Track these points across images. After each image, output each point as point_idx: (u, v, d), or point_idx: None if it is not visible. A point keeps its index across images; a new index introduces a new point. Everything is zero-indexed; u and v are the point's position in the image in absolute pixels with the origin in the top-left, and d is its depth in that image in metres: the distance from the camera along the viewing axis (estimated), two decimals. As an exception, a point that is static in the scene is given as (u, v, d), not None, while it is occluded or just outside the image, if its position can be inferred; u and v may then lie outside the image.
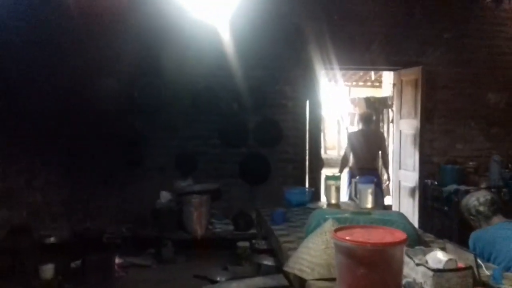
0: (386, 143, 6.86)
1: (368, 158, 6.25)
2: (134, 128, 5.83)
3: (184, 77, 5.81)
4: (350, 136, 6.60)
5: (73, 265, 4.71)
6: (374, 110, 8.85)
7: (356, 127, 7.30)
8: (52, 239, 5.18)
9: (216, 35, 5.53)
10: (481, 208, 3.00)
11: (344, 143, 7.27)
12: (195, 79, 5.85)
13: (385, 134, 8.60)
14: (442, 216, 5.65)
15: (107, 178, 5.80)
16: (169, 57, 5.64)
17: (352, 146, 6.33)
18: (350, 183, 6.04)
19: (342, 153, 7.10)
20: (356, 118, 7.88)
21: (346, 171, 6.43)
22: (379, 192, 5.59)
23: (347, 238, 1.84)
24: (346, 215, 2.67)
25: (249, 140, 6.04)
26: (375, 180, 4.22)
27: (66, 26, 5.56)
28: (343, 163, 6.47)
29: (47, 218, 5.76)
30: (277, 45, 5.97)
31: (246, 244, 4.96)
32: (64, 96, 5.64)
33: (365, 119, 6.55)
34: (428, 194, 6.01)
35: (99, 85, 5.66)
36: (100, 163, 5.78)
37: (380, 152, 6.41)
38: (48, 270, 4.47)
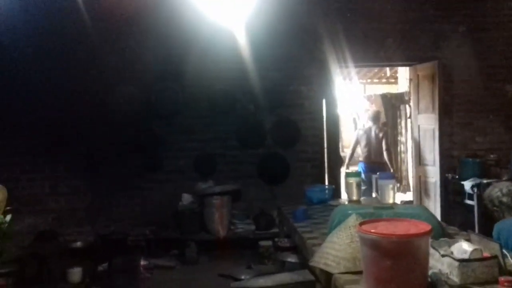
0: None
1: (377, 153, 7.16)
2: (153, 133, 5.93)
3: (201, 81, 5.90)
4: (359, 133, 7.48)
5: (99, 268, 4.80)
6: (391, 106, 8.82)
7: (366, 124, 7.79)
8: (78, 244, 5.31)
9: (232, 38, 5.59)
10: (504, 199, 3.00)
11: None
12: (212, 82, 5.92)
13: (403, 130, 8.57)
14: (464, 210, 5.61)
15: (128, 183, 5.91)
16: (186, 61, 5.72)
17: (362, 142, 7.31)
18: (365, 173, 6.85)
19: (359, 150, 7.54)
20: (366, 116, 8.05)
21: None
22: None
23: (372, 230, 1.87)
24: (369, 210, 2.70)
25: (267, 141, 6.08)
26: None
27: (83, 34, 5.67)
28: (350, 158, 7.50)
29: (72, 223, 5.89)
30: (292, 45, 6.01)
31: (269, 243, 5.01)
32: (84, 104, 5.76)
33: (373, 117, 7.46)
34: (449, 188, 5.97)
35: (118, 91, 5.79)
36: (121, 168, 5.90)
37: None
38: (75, 274, 4.58)
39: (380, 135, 7.21)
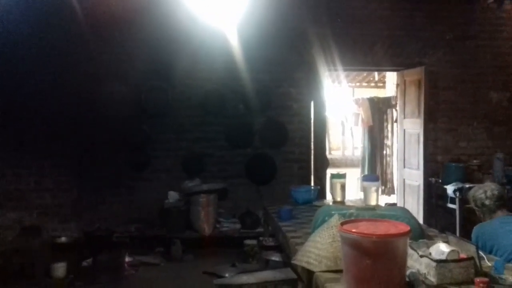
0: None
1: None
2: (142, 131, 5.93)
3: (191, 81, 5.95)
4: None
5: (84, 264, 4.80)
6: (377, 110, 8.92)
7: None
8: (62, 239, 5.30)
9: (223, 40, 5.64)
10: (487, 202, 3.07)
11: (349, 143, 7.61)
12: (202, 82, 5.96)
13: (389, 134, 8.68)
14: (446, 213, 5.71)
15: (115, 180, 5.91)
16: (177, 61, 5.76)
17: None
18: None
19: (347, 153, 7.44)
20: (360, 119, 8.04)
21: None
22: None
23: (353, 230, 1.93)
24: (352, 211, 2.75)
25: (255, 142, 6.13)
26: None
27: (75, 32, 5.68)
28: None
29: (57, 219, 5.88)
30: (282, 48, 6.07)
31: (254, 242, 5.05)
32: (72, 101, 5.76)
33: None
34: (432, 192, 6.08)
35: (107, 89, 5.78)
36: (108, 165, 5.89)
37: None
38: (59, 269, 4.58)
39: None
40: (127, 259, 5.01)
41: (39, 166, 5.88)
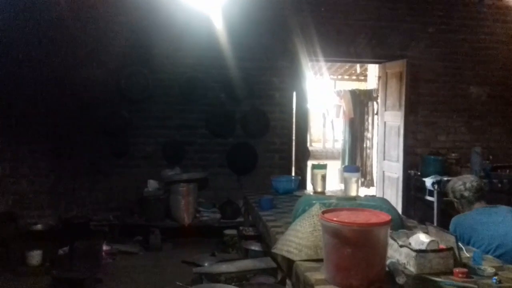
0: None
1: None
2: (121, 117, 5.84)
3: (173, 67, 5.86)
4: None
5: (60, 251, 4.72)
6: (359, 103, 8.98)
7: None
8: (38, 226, 5.20)
9: (207, 26, 5.57)
10: (466, 193, 3.09)
11: (330, 135, 7.62)
12: (184, 69, 5.88)
13: (370, 126, 8.74)
14: (424, 206, 5.78)
15: (94, 167, 5.82)
16: (158, 46, 5.68)
17: None
18: None
19: (327, 145, 7.46)
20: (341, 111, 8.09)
21: None
22: None
23: (334, 219, 1.92)
24: (332, 200, 2.75)
25: (237, 130, 6.09)
26: None
27: (53, 11, 5.52)
28: None
29: (33, 206, 5.75)
30: (265, 36, 6.03)
31: (234, 232, 5.03)
32: (50, 84, 5.63)
33: None
34: (411, 184, 6.14)
35: (86, 73, 5.67)
36: (86, 152, 5.80)
37: None
38: (35, 257, 4.51)
39: None
40: (104, 247, 4.95)
41: (15, 152, 5.73)
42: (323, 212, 2.03)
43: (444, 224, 3.50)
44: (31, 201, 5.75)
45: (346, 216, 1.97)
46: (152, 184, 5.63)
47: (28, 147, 5.74)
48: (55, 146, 5.75)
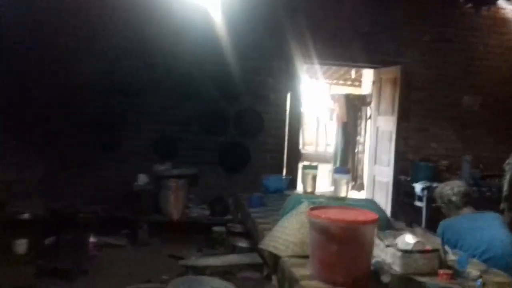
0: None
1: None
2: (113, 110, 5.81)
3: (168, 62, 5.82)
4: None
5: (46, 242, 4.69)
6: (353, 107, 9.02)
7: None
8: (25, 215, 5.14)
9: (204, 23, 5.56)
10: (453, 198, 3.11)
11: (322, 139, 7.62)
12: (179, 64, 5.85)
13: (362, 131, 8.78)
14: (413, 211, 5.81)
15: (84, 159, 5.77)
16: (154, 41, 5.66)
17: None
18: None
19: (320, 149, 7.47)
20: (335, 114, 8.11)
21: None
22: None
23: (322, 215, 1.93)
24: (321, 199, 2.77)
25: (229, 129, 6.08)
26: None
27: (48, 6, 5.48)
28: None
29: (21, 195, 5.66)
30: (262, 36, 6.02)
31: (222, 229, 5.03)
32: (42, 75, 5.57)
33: None
34: (401, 189, 6.18)
35: (80, 65, 5.62)
36: (77, 143, 5.74)
37: None
38: (21, 246, 4.46)
39: None
40: (91, 239, 4.91)
41: (3, 140, 5.68)
42: (311, 209, 2.04)
43: (432, 230, 3.52)
44: (19, 190, 5.69)
45: (333, 214, 1.99)
46: (142, 178, 5.60)
47: (16, 136, 5.67)
48: (45, 136, 5.69)
